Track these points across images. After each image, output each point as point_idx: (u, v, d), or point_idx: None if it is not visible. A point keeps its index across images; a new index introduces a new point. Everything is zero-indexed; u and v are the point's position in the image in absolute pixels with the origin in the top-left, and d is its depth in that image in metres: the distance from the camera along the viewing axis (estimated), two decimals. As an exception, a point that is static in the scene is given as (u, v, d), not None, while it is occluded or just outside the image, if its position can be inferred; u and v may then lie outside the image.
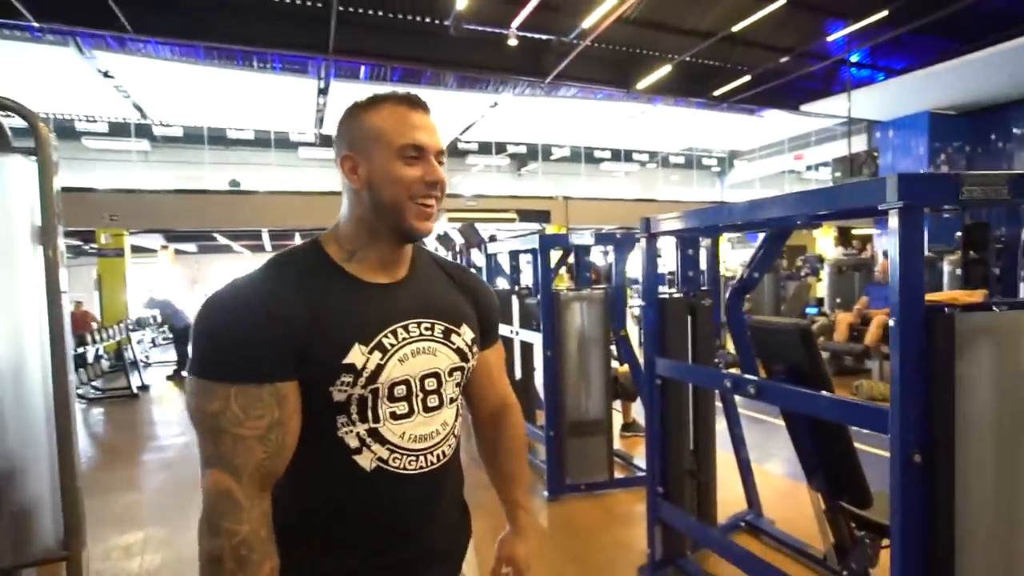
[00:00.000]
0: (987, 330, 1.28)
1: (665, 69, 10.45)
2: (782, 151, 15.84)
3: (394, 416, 0.86)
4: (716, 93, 11.73)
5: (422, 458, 0.89)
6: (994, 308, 1.29)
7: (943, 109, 12.31)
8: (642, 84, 10.96)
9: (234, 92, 10.93)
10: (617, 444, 4.09)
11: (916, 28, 9.22)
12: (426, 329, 0.90)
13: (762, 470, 3.41)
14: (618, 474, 3.65)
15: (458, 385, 0.95)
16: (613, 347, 3.70)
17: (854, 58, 11.14)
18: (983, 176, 1.26)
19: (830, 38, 9.99)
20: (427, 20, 9.11)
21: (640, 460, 3.83)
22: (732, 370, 2.35)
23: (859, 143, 13.27)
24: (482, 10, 8.52)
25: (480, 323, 1.01)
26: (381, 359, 0.84)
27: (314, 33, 8.67)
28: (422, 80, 10.59)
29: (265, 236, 15.21)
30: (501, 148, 15.97)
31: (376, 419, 0.85)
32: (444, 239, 6.32)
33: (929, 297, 1.30)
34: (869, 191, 1.30)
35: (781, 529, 2.81)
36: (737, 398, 2.76)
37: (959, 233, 2.84)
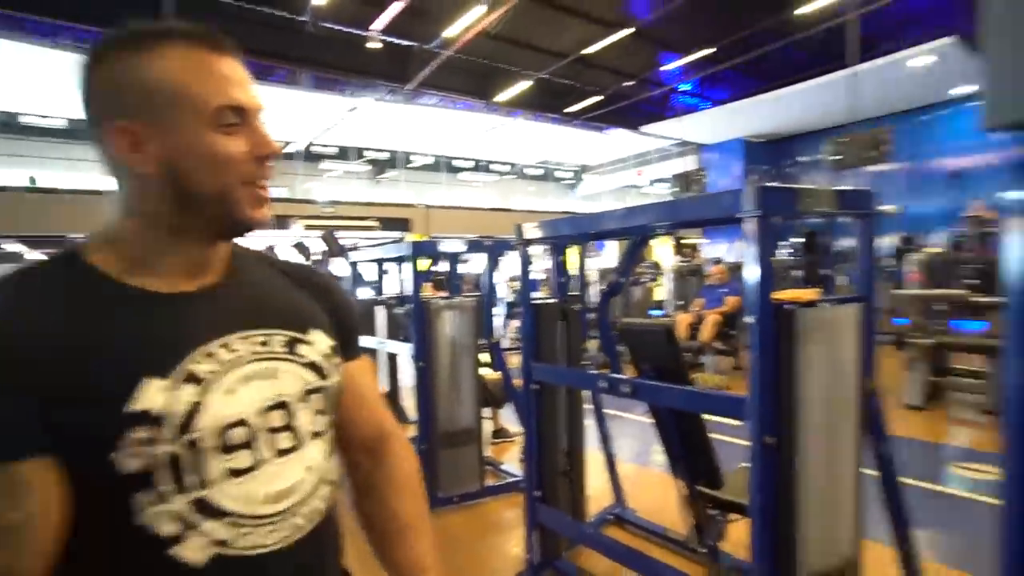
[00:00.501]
0: (819, 323, 1.48)
1: (524, 84, 10.87)
2: (627, 167, 17.27)
3: (233, 473, 0.60)
4: (569, 110, 12.47)
5: (284, 524, 0.63)
6: (825, 304, 1.50)
7: (754, 137, 14.33)
8: (502, 97, 11.30)
9: (33, 71, 9.29)
10: (487, 452, 4.11)
11: (734, 66, 10.62)
12: (259, 344, 0.66)
13: (624, 464, 3.62)
14: (489, 481, 3.65)
15: (321, 412, 0.70)
16: (485, 355, 3.72)
17: (685, 87, 12.53)
18: (816, 191, 1.46)
19: (664, 68, 11.12)
20: (282, 13, 8.52)
21: (509, 466, 3.88)
22: (602, 371, 2.46)
23: (691, 163, 14.94)
24: (342, 8, 8.18)
25: (338, 329, 0.77)
26: (195, 395, 0.58)
27: (143, 12, 7.66)
28: (272, 77, 9.88)
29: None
30: (359, 154, 15.43)
31: (203, 483, 0.58)
32: (301, 247, 5.92)
33: (774, 296, 1.47)
34: (730, 201, 1.43)
35: (645, 518, 3.00)
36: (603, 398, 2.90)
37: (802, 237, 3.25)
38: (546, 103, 12.16)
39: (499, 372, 3.70)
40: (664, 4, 8.97)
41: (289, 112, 11.56)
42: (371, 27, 8.66)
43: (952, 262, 6.30)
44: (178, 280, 0.64)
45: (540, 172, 19.40)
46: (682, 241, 13.84)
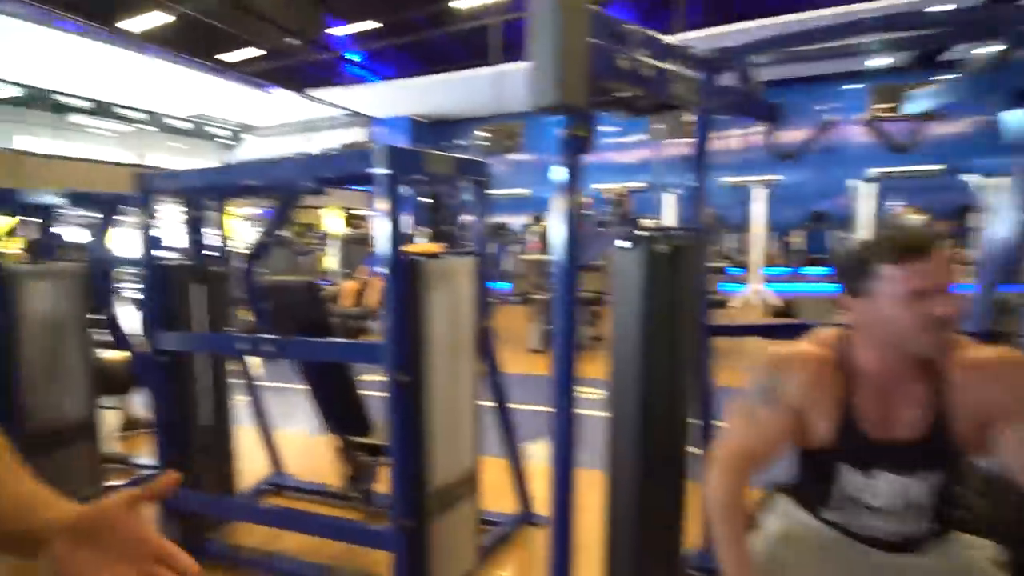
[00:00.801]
0: (442, 272, 1.71)
1: (162, 16, 9.11)
2: (294, 132, 16.29)
3: None
4: (223, 58, 11.03)
5: None
6: (447, 257, 1.73)
7: (420, 116, 15.23)
8: (130, 25, 9.25)
9: None
10: (116, 447, 3.46)
11: (399, 45, 11.02)
12: None
13: (286, 432, 3.51)
14: (119, 481, 3.09)
15: None
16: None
17: (354, 57, 12.43)
18: (439, 156, 1.65)
19: (331, 31, 10.81)
20: None
21: (146, 459, 3.35)
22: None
23: (361, 135, 14.99)
24: None
25: None
26: None
27: None
28: None
29: None
30: None
31: None
32: None
33: (406, 249, 1.62)
34: (363, 159, 1.51)
35: (304, 480, 2.98)
36: (257, 371, 2.75)
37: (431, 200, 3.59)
38: (195, 46, 10.48)
39: (124, 352, 3.12)
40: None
41: None
42: None
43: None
44: None
45: (190, 127, 16.68)
46: (351, 211, 13.89)
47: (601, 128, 1.23)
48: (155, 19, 9.18)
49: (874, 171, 9.71)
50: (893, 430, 1.02)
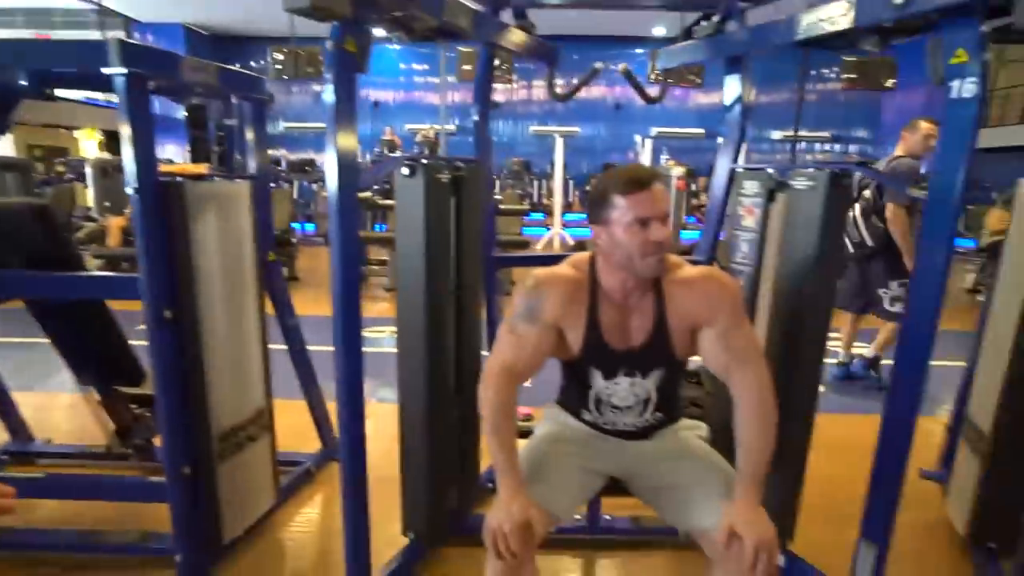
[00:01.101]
0: (211, 196, 1.54)
1: None
2: (16, 26, 12.83)
3: None
4: None
5: None
6: (215, 179, 1.56)
7: (199, 26, 13.03)
8: None
9: None
10: None
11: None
12: None
13: (26, 394, 2.95)
14: None
15: None
16: None
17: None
18: (199, 62, 1.45)
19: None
20: None
21: None
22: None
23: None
24: None
25: None
26: None
27: None
28: None
29: None
30: None
31: None
32: None
33: (162, 169, 1.42)
34: (91, 51, 1.26)
35: (60, 443, 2.57)
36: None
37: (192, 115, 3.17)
38: None
39: None
40: None
41: None
42: None
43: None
44: None
45: None
46: (112, 133, 11.60)
47: (412, 66, 1.19)
48: None
49: (654, 130, 11.47)
50: (628, 339, 1.21)
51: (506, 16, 1.75)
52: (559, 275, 1.22)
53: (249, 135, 1.76)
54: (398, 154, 9.49)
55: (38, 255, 1.63)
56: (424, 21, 1.33)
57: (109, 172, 5.99)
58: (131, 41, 1.27)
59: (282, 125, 12.71)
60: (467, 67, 1.94)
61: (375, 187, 6.91)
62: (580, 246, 6.21)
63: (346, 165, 1.21)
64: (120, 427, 2.27)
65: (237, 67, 1.65)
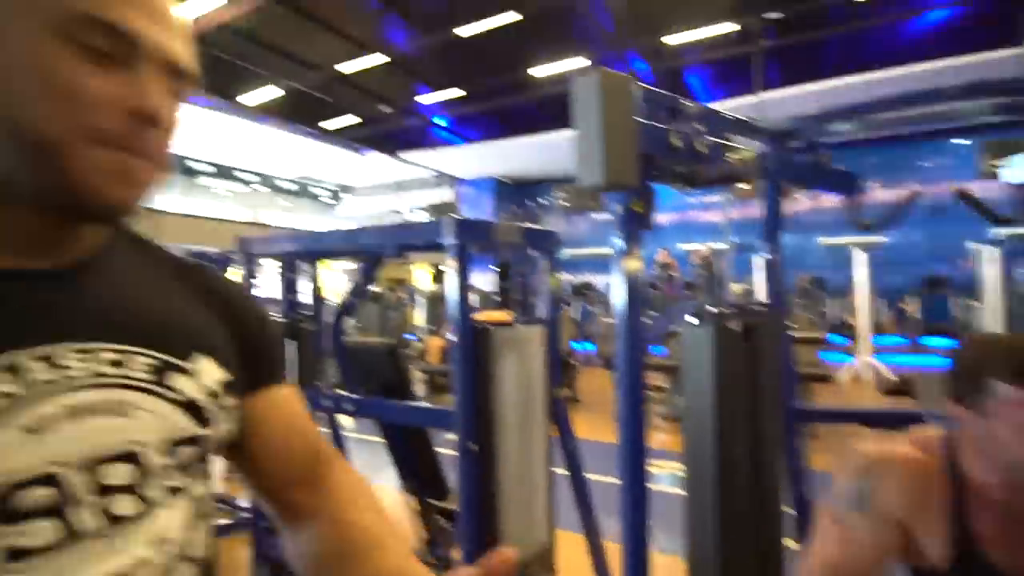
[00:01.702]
0: (511, 341, 1.73)
1: (274, 91, 10.25)
2: (387, 192, 17.42)
3: (16, 555, 0.39)
4: (325, 126, 12.13)
5: None
6: (516, 326, 1.75)
7: (504, 176, 15.82)
8: (248, 100, 10.47)
9: None
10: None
11: (483, 110, 11.64)
12: (107, 363, 0.45)
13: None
14: (225, 521, 3.26)
15: (188, 468, 0.49)
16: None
17: (441, 122, 13.24)
18: (508, 226, 1.71)
19: (420, 99, 11.62)
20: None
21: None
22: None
23: (448, 194, 15.77)
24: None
25: (244, 356, 0.56)
26: None
27: None
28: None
29: None
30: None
31: None
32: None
33: (475, 317, 1.67)
34: (434, 230, 1.59)
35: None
36: (349, 424, 2.86)
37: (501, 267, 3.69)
38: (301, 116, 11.64)
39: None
40: (417, 39, 9.44)
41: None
42: None
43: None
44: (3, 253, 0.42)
45: (296, 187, 18.31)
46: (440, 267, 14.46)
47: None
48: (269, 93, 10.35)
49: (1002, 233, 8.77)
50: None
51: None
52: (903, 457, 0.94)
53: (543, 283, 1.96)
54: (674, 275, 9.54)
55: (387, 383, 2.03)
56: (708, 172, 1.34)
57: (435, 301, 7.36)
58: (460, 218, 1.57)
59: (564, 251, 14.10)
60: (745, 186, 1.87)
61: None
62: (902, 384, 5.07)
63: (636, 309, 1.23)
64: (429, 535, 2.56)
65: (531, 204, 1.89)
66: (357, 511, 0.61)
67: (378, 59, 9.40)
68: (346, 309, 2.67)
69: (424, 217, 18.88)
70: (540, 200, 15.86)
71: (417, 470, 2.43)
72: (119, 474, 0.44)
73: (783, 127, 1.52)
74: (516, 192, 16.09)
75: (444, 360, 6.49)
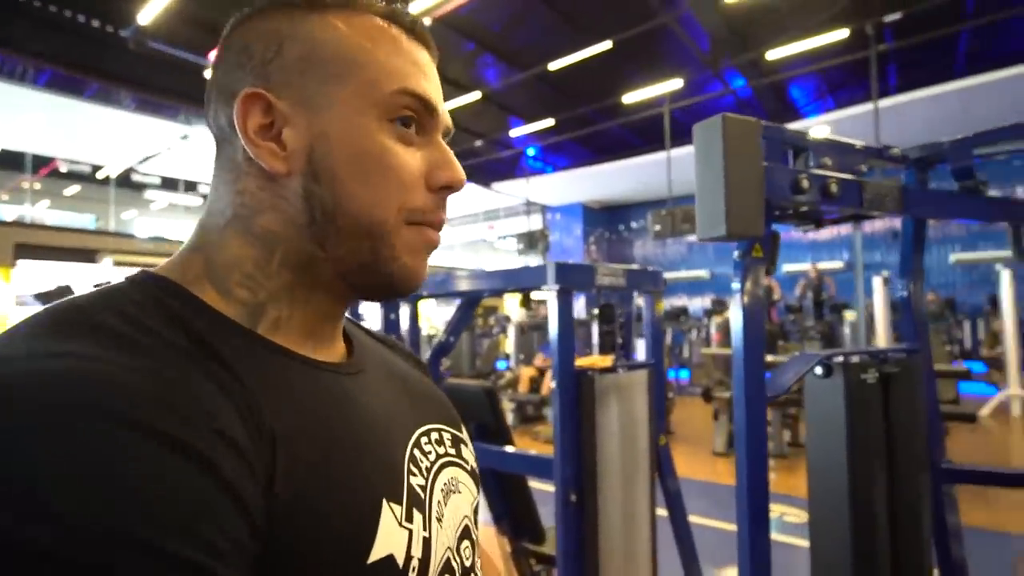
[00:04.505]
0: (615, 387, 1.66)
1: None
2: (477, 221, 17.89)
3: None
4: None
5: None
6: (619, 370, 1.68)
7: (593, 202, 15.74)
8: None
9: None
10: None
11: (573, 138, 11.70)
12: (438, 443, 0.48)
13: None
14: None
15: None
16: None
17: (531, 152, 13.46)
18: (610, 268, 1.66)
19: (512, 133, 11.89)
20: (97, 23, 7.68)
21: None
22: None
23: (537, 221, 15.93)
24: (174, 31, 7.61)
25: None
26: (425, 527, 0.40)
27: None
28: (85, 92, 8.79)
29: None
30: (191, 186, 14.14)
31: None
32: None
33: (577, 363, 1.62)
34: (536, 275, 1.57)
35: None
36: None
37: (602, 310, 3.62)
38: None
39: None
40: (510, 76, 9.71)
41: (103, 133, 10.30)
42: (210, 55, 8.17)
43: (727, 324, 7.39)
44: (307, 344, 0.43)
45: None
46: (530, 296, 14.55)
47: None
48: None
49: None
50: None
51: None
52: None
53: (645, 325, 1.88)
54: (776, 299, 8.91)
55: (484, 425, 2.02)
56: (841, 211, 1.22)
57: (525, 330, 7.37)
58: (562, 263, 1.54)
59: (658, 276, 13.73)
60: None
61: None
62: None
63: (757, 353, 1.13)
64: (522, 578, 2.50)
65: (622, 229, 1.82)
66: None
67: (473, 96, 9.76)
68: (443, 349, 2.72)
69: (513, 244, 19.13)
70: (631, 224, 15.61)
71: (511, 512, 2.39)
72: (467, 552, 0.46)
73: (927, 153, 1.35)
74: (604, 217, 15.95)
75: (532, 389, 6.45)
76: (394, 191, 0.41)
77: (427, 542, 0.39)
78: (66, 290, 6.26)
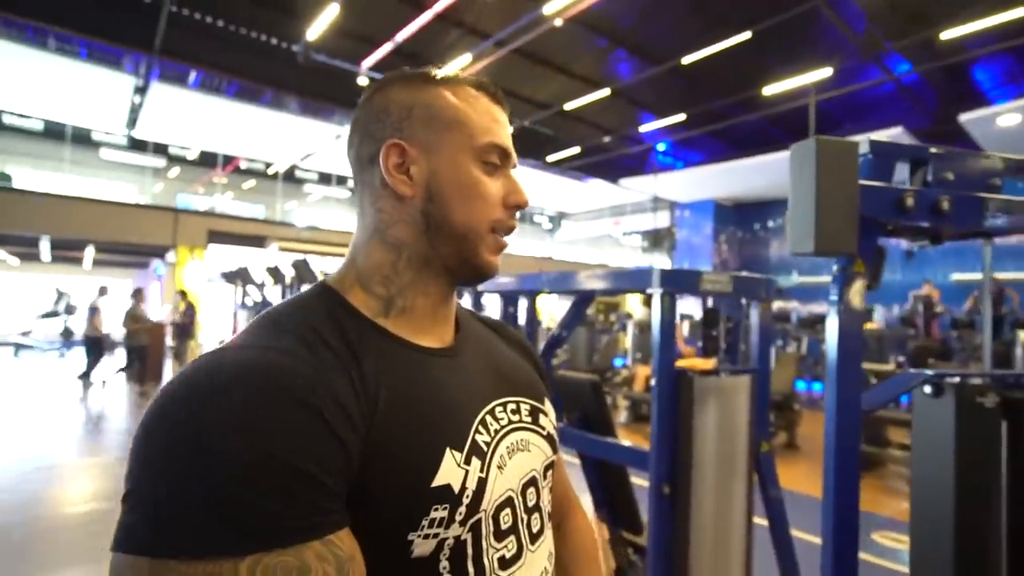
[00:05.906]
0: (715, 390, 1.70)
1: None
2: (602, 216, 17.81)
3: (503, 563, 0.55)
4: (549, 159, 12.93)
5: None
6: (720, 374, 1.72)
7: (725, 199, 14.97)
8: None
9: (16, 70, 9.42)
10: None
11: (705, 132, 11.23)
12: (513, 412, 0.62)
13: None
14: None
15: (548, 491, 0.65)
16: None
17: (661, 147, 13.12)
18: (714, 276, 1.70)
19: (642, 128, 11.68)
20: (273, 41, 8.85)
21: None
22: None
23: (664, 218, 15.51)
24: (335, 44, 8.53)
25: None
26: (482, 470, 0.54)
27: (138, 27, 7.94)
28: (261, 100, 10.15)
29: (44, 245, 12.92)
30: (342, 180, 15.67)
31: (480, 573, 0.53)
32: (274, 272, 6.02)
33: (678, 364, 1.68)
34: (641, 278, 1.66)
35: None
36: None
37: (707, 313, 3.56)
38: (528, 151, 12.62)
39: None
40: (641, 71, 9.55)
41: (273, 134, 11.81)
42: (362, 63, 9.03)
43: (882, 337, 6.67)
44: (425, 333, 0.60)
45: (517, 215, 19.78)
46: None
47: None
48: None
49: None
50: None
51: None
52: None
53: (753, 331, 1.89)
54: (937, 311, 7.90)
55: (588, 416, 2.15)
56: (960, 227, 1.18)
57: (644, 330, 7.30)
58: (666, 269, 1.61)
59: (796, 278, 12.77)
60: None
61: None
62: None
63: (854, 370, 1.14)
64: (618, 567, 2.60)
65: (757, 228, 1.82)
66: (585, 564, 0.76)
67: (602, 92, 9.77)
68: (555, 342, 2.87)
69: (638, 241, 18.77)
70: (766, 223, 14.63)
71: (611, 501, 2.49)
72: (532, 495, 0.61)
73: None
74: (738, 214, 15.10)
75: (648, 389, 6.40)
76: (483, 209, 0.59)
77: (482, 481, 0.53)
78: (244, 271, 7.34)
